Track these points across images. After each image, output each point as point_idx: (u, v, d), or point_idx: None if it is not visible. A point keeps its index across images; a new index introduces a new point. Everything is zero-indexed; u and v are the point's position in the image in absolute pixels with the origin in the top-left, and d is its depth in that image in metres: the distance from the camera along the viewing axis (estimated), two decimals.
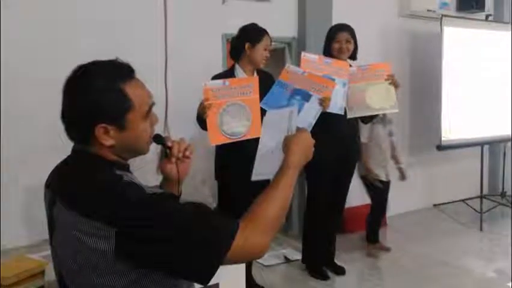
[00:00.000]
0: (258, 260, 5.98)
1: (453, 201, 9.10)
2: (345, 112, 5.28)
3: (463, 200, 9.01)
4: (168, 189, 2.25)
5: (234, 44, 5.13)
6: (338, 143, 5.59)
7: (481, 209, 8.22)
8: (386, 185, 6.75)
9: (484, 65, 8.43)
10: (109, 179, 1.84)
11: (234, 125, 4.54)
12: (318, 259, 6.16)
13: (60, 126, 1.92)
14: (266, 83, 4.93)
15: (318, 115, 4.86)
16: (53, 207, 1.91)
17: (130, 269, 1.74)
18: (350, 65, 5.48)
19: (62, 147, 2.04)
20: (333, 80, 5.02)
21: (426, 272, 6.30)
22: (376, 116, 5.84)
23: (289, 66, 5.15)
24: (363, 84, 5.34)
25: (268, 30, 5.06)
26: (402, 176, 6.91)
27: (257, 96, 4.63)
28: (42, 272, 3.41)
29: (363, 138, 6.39)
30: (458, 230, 8.06)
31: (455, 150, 8.50)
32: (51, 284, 3.22)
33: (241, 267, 4.13)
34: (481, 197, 8.50)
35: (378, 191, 6.71)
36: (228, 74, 5.04)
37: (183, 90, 5.81)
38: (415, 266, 6.50)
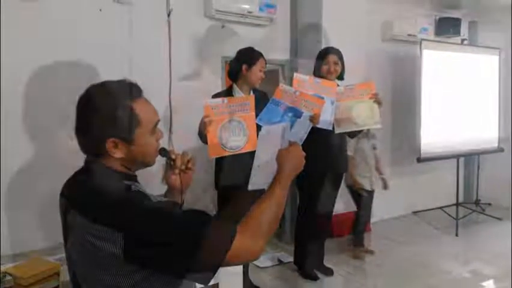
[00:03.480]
0: (254, 262, 5.99)
1: (431, 209, 9.11)
2: (333, 127, 5.28)
3: (440, 208, 9.03)
4: (172, 198, 2.27)
5: (232, 65, 5.14)
6: (326, 155, 5.60)
7: (457, 215, 8.25)
8: (371, 193, 6.78)
9: (459, 84, 8.48)
10: (118, 188, 1.86)
11: (232, 139, 4.53)
12: (309, 261, 6.14)
13: (74, 139, 1.93)
14: (261, 101, 4.93)
15: (308, 130, 4.86)
16: (67, 213, 1.93)
17: (137, 270, 1.76)
18: (338, 85, 5.47)
19: (76, 158, 2.05)
20: (323, 98, 5.02)
21: (407, 273, 6.32)
22: (361, 131, 5.84)
23: (283, 86, 5.14)
24: (350, 102, 5.33)
25: (263, 53, 5.08)
26: (385, 186, 6.94)
27: (253, 113, 4.63)
28: (57, 274, 3.40)
29: (350, 152, 6.41)
30: (436, 235, 8.07)
31: (433, 162, 8.52)
32: (65, 285, 3.22)
33: (239, 269, 4.13)
34: (457, 204, 8.53)
35: (364, 199, 6.74)
36: (227, 93, 5.06)
37: (186, 107, 5.81)
38: (397, 267, 6.52)
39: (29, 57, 5.18)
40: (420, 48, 7.87)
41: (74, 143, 1.95)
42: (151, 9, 5.96)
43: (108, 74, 2.16)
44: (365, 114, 5.36)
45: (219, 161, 5.07)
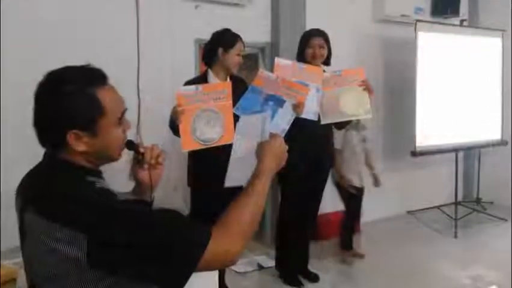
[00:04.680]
0: (231, 267, 5.99)
1: (427, 208, 9.16)
2: (319, 118, 5.30)
3: (437, 207, 9.07)
4: (140, 196, 2.26)
5: (207, 49, 5.15)
6: (311, 149, 5.61)
7: (456, 215, 8.29)
8: (360, 191, 6.78)
9: (459, 70, 8.52)
10: (80, 185, 1.85)
11: (206, 131, 4.54)
12: (292, 266, 6.18)
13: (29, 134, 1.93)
14: (239, 88, 4.95)
15: (291, 121, 4.88)
16: (24, 214, 1.90)
17: (102, 277, 1.74)
18: (324, 71, 5.49)
19: (32, 153, 2.05)
20: (307, 85, 5.04)
21: (401, 279, 6.35)
22: (350, 122, 5.86)
23: (263, 72, 5.16)
24: (337, 90, 5.35)
25: (241, 36, 5.08)
26: (376, 182, 6.94)
27: (230, 102, 4.64)
28: (14, 279, 3.40)
29: (337, 145, 6.41)
30: (433, 236, 8.12)
31: (429, 157, 8.55)
32: None
33: (214, 274, 4.14)
34: (456, 203, 8.57)
35: (352, 198, 6.74)
36: (201, 79, 5.05)
37: (156, 95, 5.81)
38: (389, 273, 6.54)
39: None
40: (415, 30, 7.87)
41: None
42: None
43: (74, 61, 2.15)
44: (353, 103, 5.39)
45: (193, 155, 5.08)
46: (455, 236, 7.99)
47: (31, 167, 2.04)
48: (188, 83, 4.88)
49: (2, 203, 5.11)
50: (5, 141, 5.20)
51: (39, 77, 1.90)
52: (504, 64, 9.16)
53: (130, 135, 2.11)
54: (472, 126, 8.75)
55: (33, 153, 2.09)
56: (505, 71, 9.17)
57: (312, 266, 6.36)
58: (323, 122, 5.36)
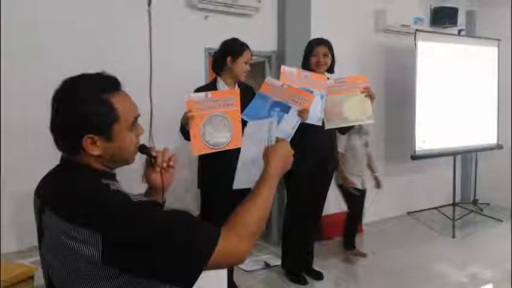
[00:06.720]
0: (239, 266, 6.00)
1: (427, 209, 9.14)
2: (323, 123, 5.29)
3: (436, 208, 9.06)
4: (153, 198, 2.26)
5: (216, 57, 5.14)
6: (316, 153, 5.60)
7: (454, 216, 8.28)
8: (362, 193, 6.79)
9: (457, 78, 8.52)
10: (96, 187, 1.85)
11: (215, 136, 4.54)
12: (297, 265, 6.17)
13: (49, 135, 1.92)
14: (247, 95, 4.95)
15: (297, 126, 4.87)
16: (42, 214, 1.91)
17: (117, 275, 1.74)
18: (328, 78, 5.49)
19: (51, 155, 2.05)
20: (312, 92, 5.03)
21: (401, 277, 6.33)
22: (353, 127, 5.86)
23: (269, 79, 5.16)
24: (341, 96, 5.34)
25: (248, 45, 5.08)
26: (378, 185, 6.96)
27: (238, 108, 4.64)
28: (32, 277, 3.39)
29: (340, 149, 6.41)
30: (432, 236, 8.10)
31: (428, 160, 8.55)
32: None
33: (223, 272, 4.13)
34: (454, 204, 8.57)
35: (355, 199, 6.74)
36: (211, 86, 5.05)
37: (167, 102, 5.81)
38: (391, 271, 6.53)
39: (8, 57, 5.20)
40: (415, 39, 7.88)
41: (50, 138, 1.94)
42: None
43: (87, 67, 2.14)
44: (356, 108, 5.38)
45: (202, 159, 5.08)
46: (453, 236, 7.97)
47: (49, 169, 2.04)
48: (199, 90, 4.87)
49: (18, 205, 5.13)
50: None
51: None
52: (500, 72, 9.16)
53: (143, 139, 2.11)
54: (469, 131, 8.75)
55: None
56: (501, 78, 9.16)
57: (317, 265, 6.35)
58: (327, 127, 5.35)
